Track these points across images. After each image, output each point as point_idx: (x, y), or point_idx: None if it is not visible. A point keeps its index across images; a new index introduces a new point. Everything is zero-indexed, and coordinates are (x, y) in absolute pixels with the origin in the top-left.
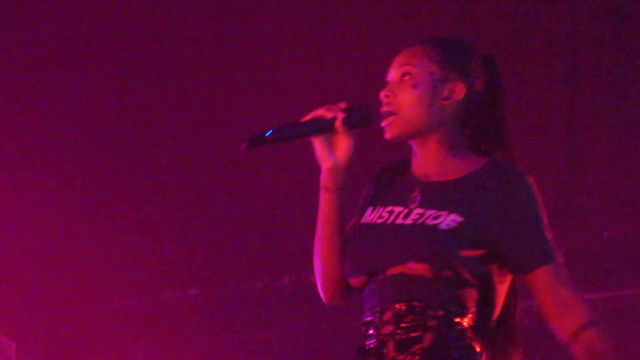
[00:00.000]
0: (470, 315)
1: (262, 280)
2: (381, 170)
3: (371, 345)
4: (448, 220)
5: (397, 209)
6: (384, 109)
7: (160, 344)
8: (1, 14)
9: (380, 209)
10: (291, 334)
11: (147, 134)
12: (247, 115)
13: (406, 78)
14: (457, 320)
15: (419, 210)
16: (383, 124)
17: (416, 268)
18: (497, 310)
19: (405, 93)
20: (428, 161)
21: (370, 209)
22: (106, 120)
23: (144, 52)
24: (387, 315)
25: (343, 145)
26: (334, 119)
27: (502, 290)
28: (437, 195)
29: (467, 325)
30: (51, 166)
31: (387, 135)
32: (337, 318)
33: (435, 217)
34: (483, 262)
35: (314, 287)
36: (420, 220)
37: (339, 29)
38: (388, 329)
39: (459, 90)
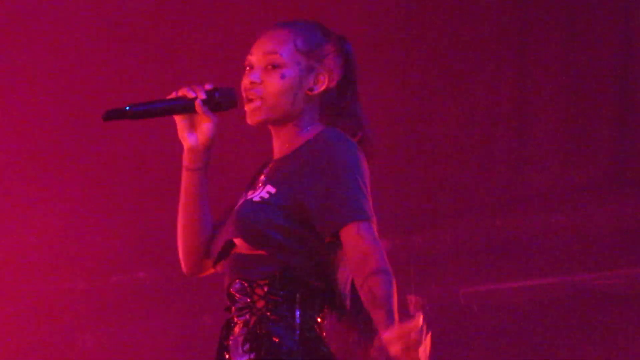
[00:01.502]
0: (301, 287)
1: None
2: (267, 159)
3: (225, 323)
4: (263, 192)
5: (250, 192)
6: (249, 94)
7: (109, 327)
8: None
9: (244, 194)
10: None
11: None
12: None
13: (274, 67)
14: (283, 295)
15: (258, 190)
16: (246, 108)
17: (239, 244)
18: (337, 277)
19: (273, 82)
20: (282, 143)
21: (241, 195)
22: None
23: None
24: (231, 296)
25: (204, 126)
26: (195, 98)
27: (333, 257)
28: (274, 172)
29: (297, 301)
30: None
31: (250, 121)
32: None
33: (254, 192)
34: (299, 227)
35: None
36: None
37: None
38: (233, 308)
39: (323, 81)
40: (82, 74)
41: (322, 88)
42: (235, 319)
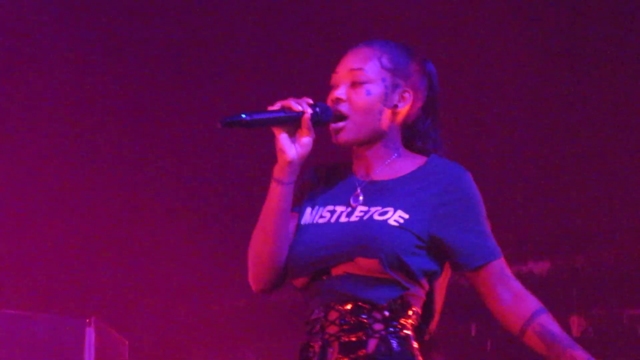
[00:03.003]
0: (414, 317)
1: None
2: (316, 170)
3: (316, 345)
4: (395, 216)
5: (339, 208)
6: (336, 112)
7: (269, 343)
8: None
9: (321, 209)
10: None
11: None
12: None
13: (359, 84)
14: (402, 321)
15: (362, 208)
16: (334, 126)
17: (365, 264)
18: (437, 314)
19: (359, 99)
20: (373, 163)
21: (309, 210)
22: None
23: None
24: (333, 316)
25: (304, 140)
26: (302, 112)
27: (441, 292)
28: (380, 193)
29: (410, 329)
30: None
31: (339, 140)
32: None
33: (382, 214)
34: (431, 258)
35: None
36: (366, 216)
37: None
38: (333, 329)
39: (408, 98)
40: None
41: (408, 105)
42: (344, 340)
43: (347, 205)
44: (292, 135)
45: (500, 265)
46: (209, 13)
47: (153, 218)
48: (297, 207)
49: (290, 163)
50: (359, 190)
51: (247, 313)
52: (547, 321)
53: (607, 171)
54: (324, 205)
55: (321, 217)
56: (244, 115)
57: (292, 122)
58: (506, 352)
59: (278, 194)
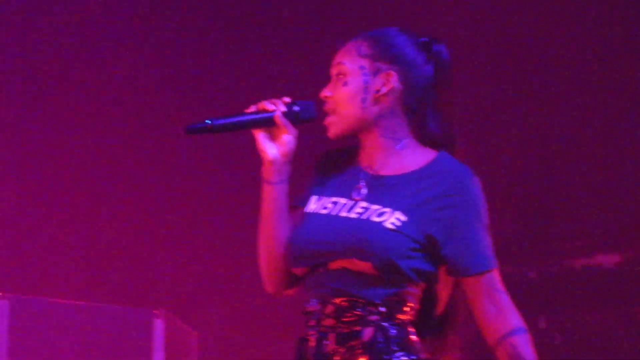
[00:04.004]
0: (411, 312)
1: None
2: (326, 156)
3: (312, 337)
4: (392, 218)
5: (342, 200)
6: (324, 108)
7: None
8: None
9: (325, 199)
10: None
11: None
12: None
13: (340, 77)
14: (398, 316)
15: (363, 204)
16: (325, 122)
17: (359, 265)
18: (440, 307)
19: (339, 92)
20: (374, 153)
21: (314, 198)
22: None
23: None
24: (329, 309)
25: (283, 138)
26: (274, 112)
27: (444, 287)
28: (383, 190)
29: (407, 321)
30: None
31: (329, 134)
32: None
33: (380, 214)
34: (426, 260)
35: None
36: (364, 215)
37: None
38: (329, 322)
39: (392, 80)
40: None
41: (391, 87)
42: (339, 331)
43: (350, 198)
44: (273, 135)
45: (490, 277)
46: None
47: (221, 210)
48: (307, 193)
49: (272, 162)
50: (361, 184)
51: None
52: (519, 342)
53: None
54: (329, 195)
55: (324, 207)
56: (208, 121)
57: (269, 123)
58: (576, 346)
59: (269, 194)
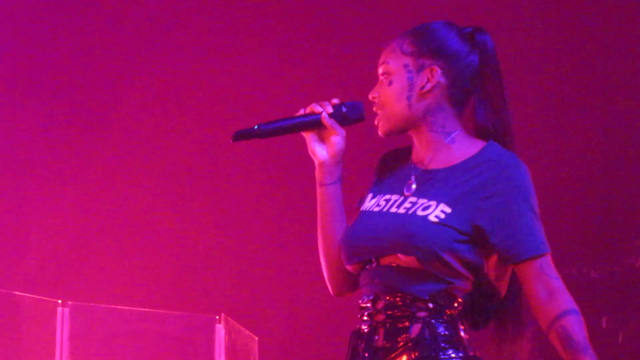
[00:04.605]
0: (460, 308)
1: None
2: (385, 156)
3: (364, 330)
4: (437, 211)
5: (394, 197)
6: (374, 108)
7: None
8: None
9: (379, 197)
10: None
11: None
12: None
13: (384, 77)
14: (447, 312)
15: (412, 199)
16: (375, 122)
17: (405, 260)
18: (498, 299)
19: (385, 92)
20: (424, 149)
21: (369, 196)
22: None
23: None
24: (380, 304)
25: (332, 139)
26: (320, 113)
27: (498, 277)
28: (430, 184)
29: (456, 316)
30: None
31: (379, 133)
32: None
33: (425, 208)
34: (473, 252)
35: None
36: (411, 210)
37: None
38: (380, 317)
39: (436, 74)
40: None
41: (436, 82)
42: (389, 326)
43: (401, 194)
44: (323, 136)
45: (541, 262)
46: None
47: (282, 216)
48: (367, 194)
49: (322, 164)
50: (412, 179)
51: None
52: (571, 323)
53: None
54: (383, 193)
55: (377, 205)
56: (256, 127)
57: (317, 125)
58: (639, 345)
59: (322, 196)
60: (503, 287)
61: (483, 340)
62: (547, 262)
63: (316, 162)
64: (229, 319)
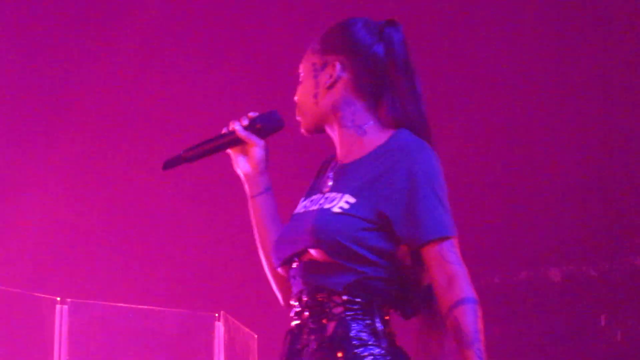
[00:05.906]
0: (379, 298)
1: None
2: (324, 161)
3: (294, 328)
4: (341, 202)
5: (316, 197)
6: (296, 110)
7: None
8: None
9: (307, 199)
10: None
11: None
12: None
13: (300, 78)
14: (363, 304)
15: (327, 195)
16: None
17: (316, 254)
18: (421, 285)
19: (298, 92)
20: (340, 145)
21: (301, 200)
22: None
23: None
24: (303, 302)
25: (252, 152)
26: (235, 129)
27: (416, 263)
28: (344, 177)
29: (374, 307)
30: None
31: (301, 132)
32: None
33: (331, 200)
34: (383, 239)
35: None
36: (318, 206)
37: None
38: (305, 314)
39: (338, 69)
40: None
41: (338, 76)
42: (311, 325)
43: (322, 192)
44: (245, 151)
45: (441, 247)
46: None
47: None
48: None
49: (246, 177)
50: (330, 176)
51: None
52: (463, 314)
53: None
54: (311, 194)
55: (304, 207)
56: (182, 152)
57: (236, 141)
58: (637, 343)
59: (252, 207)
60: (425, 274)
61: (412, 330)
62: (449, 247)
63: (241, 177)
64: (229, 316)
